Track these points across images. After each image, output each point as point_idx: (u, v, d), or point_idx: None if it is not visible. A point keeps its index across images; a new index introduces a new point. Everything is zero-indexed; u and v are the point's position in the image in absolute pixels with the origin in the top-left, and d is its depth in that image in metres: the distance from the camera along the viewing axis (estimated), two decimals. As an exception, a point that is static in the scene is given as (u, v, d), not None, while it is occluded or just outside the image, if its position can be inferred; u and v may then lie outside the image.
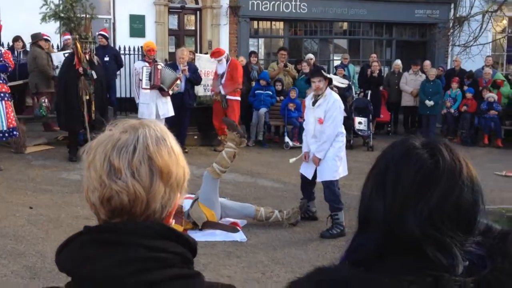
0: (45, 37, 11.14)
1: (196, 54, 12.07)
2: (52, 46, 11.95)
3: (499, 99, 12.91)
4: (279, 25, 16.95)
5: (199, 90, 11.39)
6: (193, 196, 6.36)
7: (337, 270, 1.07)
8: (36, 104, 10.23)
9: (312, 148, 6.38)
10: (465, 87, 13.17)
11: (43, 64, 10.47)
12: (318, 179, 6.37)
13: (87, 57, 9.20)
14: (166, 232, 1.11)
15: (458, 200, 1.04)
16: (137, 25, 14.52)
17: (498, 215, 6.48)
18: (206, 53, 12.96)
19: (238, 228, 6.25)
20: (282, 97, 11.92)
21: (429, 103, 12.89)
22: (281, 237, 6.11)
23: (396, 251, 1.04)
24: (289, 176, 8.47)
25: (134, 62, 12.09)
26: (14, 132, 7.78)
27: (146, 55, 9.75)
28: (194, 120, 10.72)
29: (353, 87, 12.71)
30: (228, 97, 10.65)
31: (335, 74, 11.49)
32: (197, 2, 15.59)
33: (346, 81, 8.84)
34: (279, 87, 12.06)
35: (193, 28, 15.82)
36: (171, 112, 9.56)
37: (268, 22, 16.88)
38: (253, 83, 12.03)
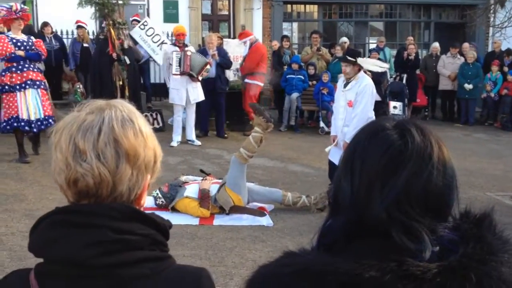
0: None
1: (224, 39, 12.02)
2: (88, 33, 12.04)
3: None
4: (313, 8, 16.63)
5: (230, 75, 11.39)
6: (220, 181, 6.39)
7: (302, 254, 1.05)
8: (71, 90, 10.45)
9: (341, 134, 6.29)
10: (505, 68, 12.72)
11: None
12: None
13: (121, 42, 9.34)
14: (133, 214, 1.10)
15: (427, 184, 0.99)
16: (170, 11, 14.53)
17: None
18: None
19: (266, 212, 6.26)
20: (314, 82, 11.78)
21: (468, 86, 12.55)
22: (308, 222, 6.07)
23: (363, 235, 1.00)
24: (320, 161, 8.40)
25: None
26: (50, 120, 7.96)
27: (176, 39, 9.78)
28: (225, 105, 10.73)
29: (387, 70, 12.43)
30: (246, 80, 10.62)
31: (369, 57, 11.25)
32: (230, -13, 15.53)
33: (386, 65, 8.57)
34: (311, 71, 11.90)
35: (226, 13, 15.76)
36: (201, 97, 9.59)
37: (302, 6, 16.57)
38: (285, 68, 11.92)
